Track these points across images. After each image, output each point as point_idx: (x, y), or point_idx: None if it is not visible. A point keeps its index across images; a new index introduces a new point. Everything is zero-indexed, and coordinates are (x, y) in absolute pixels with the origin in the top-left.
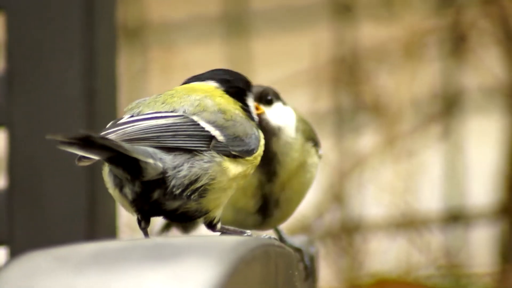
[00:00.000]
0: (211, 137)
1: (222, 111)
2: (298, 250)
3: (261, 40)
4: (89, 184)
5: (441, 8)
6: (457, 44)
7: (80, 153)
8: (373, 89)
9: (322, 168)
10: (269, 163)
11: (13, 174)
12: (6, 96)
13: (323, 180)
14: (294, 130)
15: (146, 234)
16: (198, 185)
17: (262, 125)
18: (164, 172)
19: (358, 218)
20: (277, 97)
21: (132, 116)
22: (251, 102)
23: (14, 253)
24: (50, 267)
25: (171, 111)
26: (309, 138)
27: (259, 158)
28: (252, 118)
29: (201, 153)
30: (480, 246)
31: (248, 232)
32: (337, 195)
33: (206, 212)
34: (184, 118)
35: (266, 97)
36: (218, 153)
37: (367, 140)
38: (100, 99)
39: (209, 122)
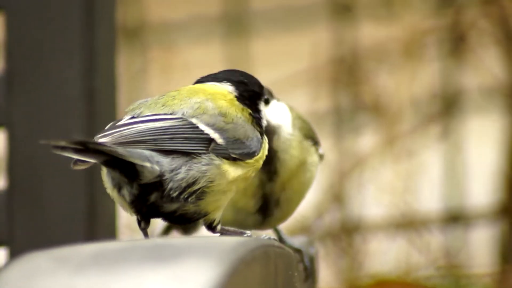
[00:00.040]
0: (211, 140)
1: (223, 114)
2: (297, 250)
3: (260, 40)
4: (89, 184)
5: (440, 8)
6: (457, 44)
7: (76, 157)
8: (373, 89)
9: (322, 168)
10: (269, 162)
11: (13, 174)
12: (6, 96)
13: (323, 180)
14: (291, 126)
15: (146, 234)
16: (195, 187)
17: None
18: (161, 175)
19: (357, 219)
20: (271, 95)
21: (132, 118)
22: (263, 107)
23: (14, 254)
24: (50, 268)
25: (170, 114)
26: (308, 136)
27: (261, 162)
28: (259, 124)
29: (200, 156)
30: (480, 246)
31: (248, 232)
32: (337, 196)
33: (205, 214)
34: (182, 120)
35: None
36: (217, 156)
37: (366, 140)
38: (100, 99)
39: (208, 124)
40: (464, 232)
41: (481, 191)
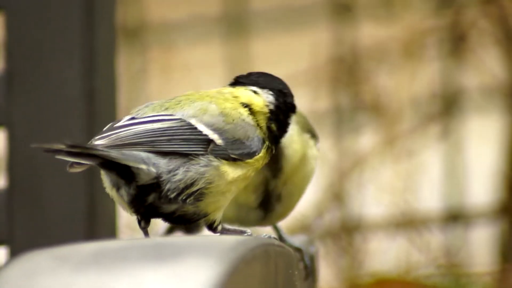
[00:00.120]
0: (209, 141)
1: (224, 115)
2: (298, 249)
3: (260, 40)
4: (89, 184)
5: (440, 8)
6: (457, 44)
7: (70, 160)
8: (373, 89)
9: (322, 167)
10: (276, 159)
11: (13, 174)
12: (6, 96)
13: (323, 180)
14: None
15: (146, 233)
16: (194, 189)
17: None
18: (158, 177)
19: (358, 218)
20: None
21: (131, 119)
22: (291, 121)
23: (14, 253)
24: (50, 267)
25: (169, 115)
26: (306, 129)
27: (261, 162)
28: (277, 136)
29: (198, 157)
30: (479, 245)
31: (249, 231)
32: (337, 195)
33: (205, 215)
34: (180, 121)
35: None
36: (216, 157)
37: (366, 139)
38: (100, 99)
39: (208, 125)
40: (464, 231)
41: (481, 191)
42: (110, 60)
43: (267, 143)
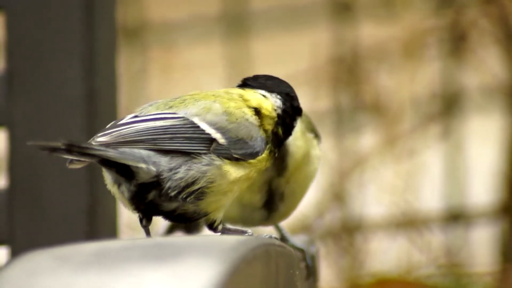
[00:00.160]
0: (212, 140)
1: (228, 114)
2: (300, 250)
3: (260, 40)
4: (89, 184)
5: (441, 8)
6: (457, 43)
7: (69, 157)
8: (373, 89)
9: (322, 167)
10: (280, 158)
11: (13, 174)
12: (6, 96)
13: (324, 180)
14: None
15: (147, 232)
16: (195, 187)
17: None
18: (159, 175)
19: (358, 218)
20: None
21: (134, 117)
22: (296, 124)
23: (15, 253)
24: (51, 267)
25: (171, 113)
26: (309, 129)
27: (264, 163)
28: (281, 139)
29: (200, 156)
30: (480, 245)
31: (249, 231)
32: (337, 195)
33: (205, 214)
34: (183, 120)
35: None
36: (218, 156)
37: (367, 139)
38: (100, 99)
39: (210, 124)
40: (464, 231)
41: (481, 190)
42: (111, 60)
43: (269, 145)
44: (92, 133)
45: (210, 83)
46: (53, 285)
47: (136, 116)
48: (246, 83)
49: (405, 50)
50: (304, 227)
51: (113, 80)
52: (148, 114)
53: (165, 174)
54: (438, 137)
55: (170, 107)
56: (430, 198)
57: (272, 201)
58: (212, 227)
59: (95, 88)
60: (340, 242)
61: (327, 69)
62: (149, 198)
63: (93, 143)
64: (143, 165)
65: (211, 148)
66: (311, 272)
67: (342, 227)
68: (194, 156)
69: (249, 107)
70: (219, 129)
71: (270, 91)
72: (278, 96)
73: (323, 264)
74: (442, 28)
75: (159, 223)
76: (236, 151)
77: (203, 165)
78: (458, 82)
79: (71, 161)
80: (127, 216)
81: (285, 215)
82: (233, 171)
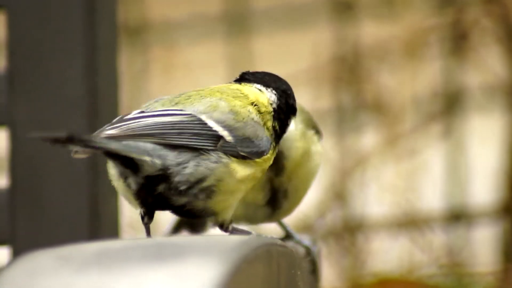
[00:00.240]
0: (219, 137)
1: (234, 112)
2: (305, 247)
3: (262, 39)
4: (91, 183)
5: (442, 6)
6: (459, 42)
7: (74, 148)
8: (375, 88)
9: (323, 167)
10: (276, 161)
11: (15, 173)
12: (8, 96)
13: (325, 179)
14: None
15: (148, 229)
16: (204, 184)
17: None
18: (165, 169)
19: (360, 217)
20: None
21: (141, 112)
22: (291, 121)
23: (17, 253)
24: (53, 267)
25: (179, 110)
26: (310, 125)
27: (268, 163)
28: (278, 136)
29: (208, 153)
30: (482, 245)
31: (254, 233)
32: (339, 194)
33: (213, 213)
34: (191, 116)
35: None
36: (225, 154)
37: (368, 139)
38: (101, 98)
39: (218, 122)
40: (466, 230)
41: (483, 190)
42: (112, 59)
43: (273, 143)
44: (94, 132)
45: (211, 82)
46: (55, 285)
47: (142, 112)
48: (243, 77)
49: (406, 49)
50: (306, 227)
51: (114, 79)
52: (156, 110)
53: (173, 168)
54: (439, 136)
55: (176, 103)
56: (432, 198)
57: (276, 199)
58: (222, 227)
59: (96, 87)
60: (342, 242)
61: (329, 68)
62: (159, 191)
63: (100, 135)
64: (147, 158)
65: (218, 145)
66: (316, 268)
67: (343, 226)
68: (202, 152)
69: (251, 103)
70: (226, 127)
71: (266, 85)
72: (274, 92)
73: (324, 264)
74: (444, 27)
75: (160, 222)
76: (242, 149)
77: (211, 162)
78: (459, 81)
79: (75, 151)
80: (128, 215)
81: (289, 211)
82: (240, 170)
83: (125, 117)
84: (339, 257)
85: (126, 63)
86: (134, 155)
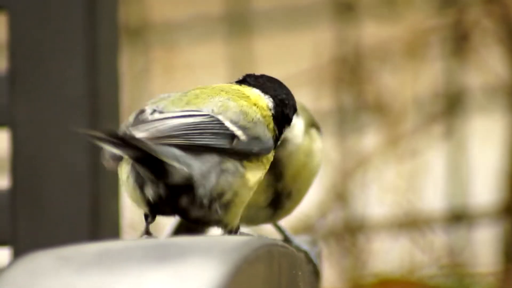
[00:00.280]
0: (234, 136)
1: (244, 112)
2: (304, 251)
3: (263, 39)
4: (92, 184)
5: (443, 7)
6: (460, 43)
7: (111, 149)
8: (376, 89)
9: (324, 167)
10: (274, 167)
11: (16, 174)
12: (9, 96)
13: (326, 180)
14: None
15: (148, 229)
16: (224, 199)
17: None
18: (190, 178)
19: (361, 218)
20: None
21: (161, 113)
22: (286, 130)
23: (17, 254)
24: (53, 267)
25: (198, 110)
26: (311, 124)
27: (268, 164)
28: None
29: (227, 161)
30: (483, 245)
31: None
32: (340, 195)
33: (225, 224)
34: (210, 117)
35: None
36: (240, 160)
37: (369, 139)
38: (102, 99)
39: (232, 122)
40: (467, 231)
41: (484, 190)
42: (113, 60)
43: (273, 144)
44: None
45: (212, 82)
46: (55, 285)
47: (160, 112)
48: (245, 80)
49: (407, 50)
50: (307, 227)
51: (115, 80)
52: (177, 111)
53: (197, 179)
54: (440, 137)
55: (187, 103)
56: (433, 198)
57: (279, 200)
58: (230, 234)
59: (97, 88)
60: (343, 242)
61: (330, 69)
62: (181, 205)
63: (137, 136)
64: (177, 164)
65: (233, 144)
66: (317, 269)
67: (344, 227)
68: (222, 160)
69: (254, 104)
70: (240, 127)
71: (265, 92)
72: (271, 99)
73: (325, 264)
74: (445, 27)
75: (160, 222)
76: (254, 146)
77: (229, 173)
78: (460, 81)
79: (109, 159)
80: (129, 216)
81: (290, 211)
82: (251, 177)
83: (144, 117)
84: (340, 258)
85: (127, 63)
86: (169, 160)
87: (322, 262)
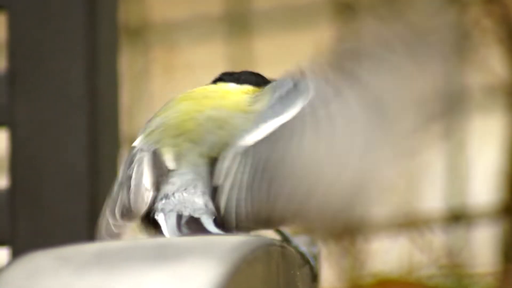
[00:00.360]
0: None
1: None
2: (300, 253)
3: (263, 39)
4: (92, 184)
5: (443, 7)
6: (460, 43)
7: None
8: None
9: None
10: None
11: (15, 174)
12: (8, 96)
13: None
14: None
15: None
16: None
17: None
18: None
19: (359, 218)
20: None
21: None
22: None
23: (16, 253)
24: (52, 267)
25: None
26: None
27: None
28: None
29: None
30: (482, 245)
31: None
32: None
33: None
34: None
35: None
36: None
37: None
38: (102, 99)
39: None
40: (466, 231)
41: (483, 190)
42: (113, 60)
43: None
44: (94, 132)
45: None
46: (54, 285)
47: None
48: (220, 78)
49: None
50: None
51: (115, 80)
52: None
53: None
54: (439, 137)
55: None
56: (432, 198)
57: None
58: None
59: (97, 88)
60: (341, 243)
61: None
62: None
63: None
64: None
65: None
66: (315, 269)
67: (343, 227)
68: None
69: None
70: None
71: (240, 83)
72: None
73: (324, 265)
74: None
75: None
76: None
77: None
78: (460, 81)
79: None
80: None
81: None
82: None
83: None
84: (338, 258)
85: (127, 63)
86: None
87: (321, 262)
